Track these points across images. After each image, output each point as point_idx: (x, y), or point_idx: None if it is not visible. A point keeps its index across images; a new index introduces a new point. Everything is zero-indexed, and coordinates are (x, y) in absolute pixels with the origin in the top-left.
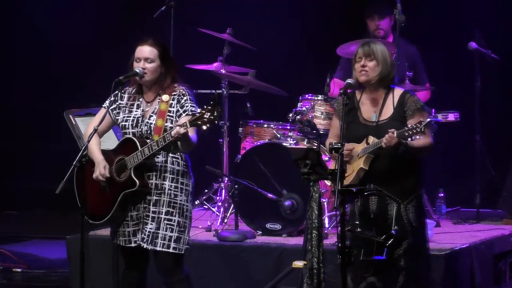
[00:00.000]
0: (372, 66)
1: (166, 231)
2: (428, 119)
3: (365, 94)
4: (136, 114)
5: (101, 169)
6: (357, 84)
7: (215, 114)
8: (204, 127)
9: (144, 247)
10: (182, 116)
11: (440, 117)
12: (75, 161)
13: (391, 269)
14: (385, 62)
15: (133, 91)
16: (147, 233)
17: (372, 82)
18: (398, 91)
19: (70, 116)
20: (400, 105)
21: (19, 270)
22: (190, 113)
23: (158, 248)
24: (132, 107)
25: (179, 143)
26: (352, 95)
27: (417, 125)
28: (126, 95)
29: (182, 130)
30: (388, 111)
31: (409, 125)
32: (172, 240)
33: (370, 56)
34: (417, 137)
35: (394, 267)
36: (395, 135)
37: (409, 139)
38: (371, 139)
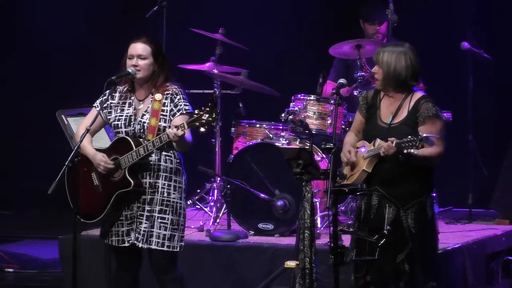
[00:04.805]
0: (380, 73)
1: (160, 229)
2: (424, 135)
3: (386, 95)
4: (128, 113)
5: (100, 160)
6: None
7: (214, 115)
8: (202, 129)
9: (140, 246)
10: (176, 115)
11: None
12: (67, 162)
13: (393, 273)
14: (388, 69)
15: (124, 89)
16: (142, 232)
17: (379, 88)
18: (416, 95)
19: (62, 116)
20: (414, 110)
21: (11, 270)
22: (184, 112)
23: (153, 247)
24: (124, 105)
25: (174, 143)
26: (377, 92)
27: (414, 138)
28: (117, 94)
29: (180, 133)
30: (402, 114)
31: (408, 137)
32: (166, 238)
33: (378, 63)
34: (412, 150)
35: (397, 271)
36: (393, 144)
37: (405, 151)
38: (378, 141)
